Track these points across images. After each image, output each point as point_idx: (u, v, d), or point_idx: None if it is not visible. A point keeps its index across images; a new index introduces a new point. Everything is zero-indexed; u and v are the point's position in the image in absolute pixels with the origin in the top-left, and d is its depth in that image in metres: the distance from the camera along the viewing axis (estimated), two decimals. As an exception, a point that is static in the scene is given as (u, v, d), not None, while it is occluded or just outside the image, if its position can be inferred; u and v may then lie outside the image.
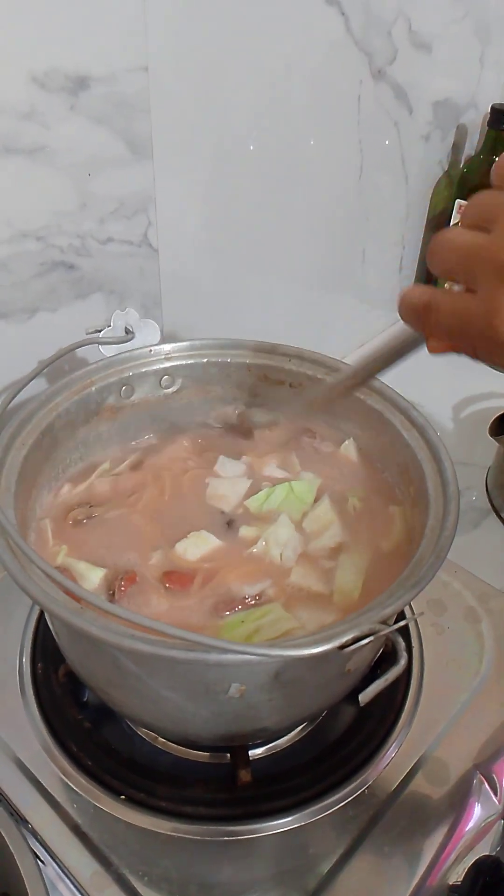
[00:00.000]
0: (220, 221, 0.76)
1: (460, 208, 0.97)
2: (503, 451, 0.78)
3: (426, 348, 0.38)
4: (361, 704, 0.36)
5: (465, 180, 0.96)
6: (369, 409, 0.53)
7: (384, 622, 0.37)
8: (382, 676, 0.36)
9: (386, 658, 0.48)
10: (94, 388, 0.53)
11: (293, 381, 0.58)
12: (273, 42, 0.69)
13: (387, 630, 0.36)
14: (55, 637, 0.48)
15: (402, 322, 0.38)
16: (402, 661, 0.35)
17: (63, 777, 0.51)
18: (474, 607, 0.62)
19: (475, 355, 0.35)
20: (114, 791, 0.50)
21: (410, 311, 0.36)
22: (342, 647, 0.36)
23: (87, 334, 0.55)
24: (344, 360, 0.58)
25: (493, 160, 0.93)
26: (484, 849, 0.52)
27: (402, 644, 0.36)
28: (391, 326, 1.10)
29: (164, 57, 0.61)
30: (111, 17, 0.56)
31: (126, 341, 0.55)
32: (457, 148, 1.03)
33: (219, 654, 0.35)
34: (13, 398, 0.48)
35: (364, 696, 0.36)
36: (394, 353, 0.42)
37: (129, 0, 0.56)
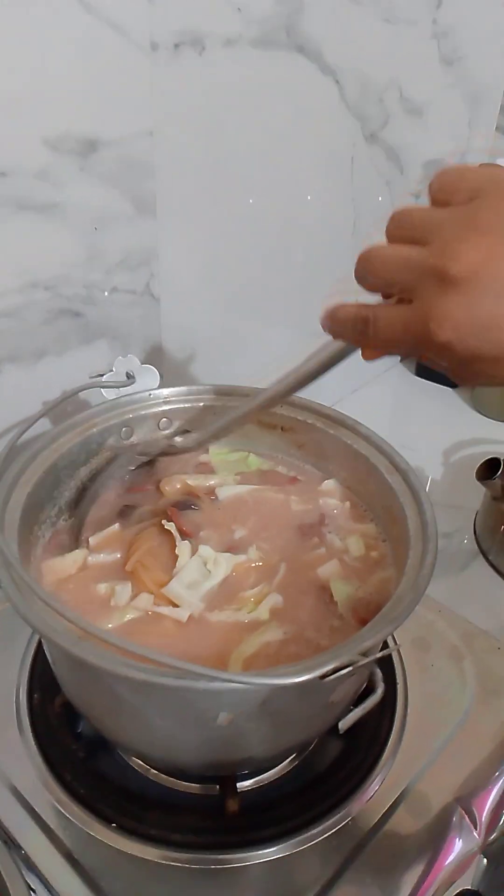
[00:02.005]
0: (219, 272, 0.80)
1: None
2: (490, 496, 0.81)
3: (361, 355, 0.41)
4: (341, 731, 0.38)
5: (455, 235, 1.01)
6: (355, 453, 0.56)
7: (364, 654, 0.39)
8: (361, 705, 0.38)
9: (370, 691, 0.51)
10: (95, 430, 0.57)
11: (284, 424, 0.61)
12: (271, 106, 0.74)
13: (365, 661, 0.38)
14: (52, 667, 0.50)
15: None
16: (379, 691, 0.38)
17: (57, 805, 0.52)
18: (458, 646, 0.64)
19: (408, 356, 0.38)
20: (106, 819, 0.51)
21: (346, 326, 0.39)
22: (323, 676, 0.38)
23: (90, 378, 0.58)
24: (333, 407, 0.61)
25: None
26: (465, 882, 0.54)
27: (379, 675, 0.38)
28: (383, 374, 1.14)
29: (168, 121, 0.65)
30: (120, 85, 0.60)
31: (127, 385, 0.58)
32: (447, 205, 1.07)
33: (207, 682, 0.37)
34: (20, 436, 0.51)
35: (343, 724, 0.38)
36: (324, 366, 0.44)
37: (137, 69, 0.61)
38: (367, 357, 0.41)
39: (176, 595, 0.50)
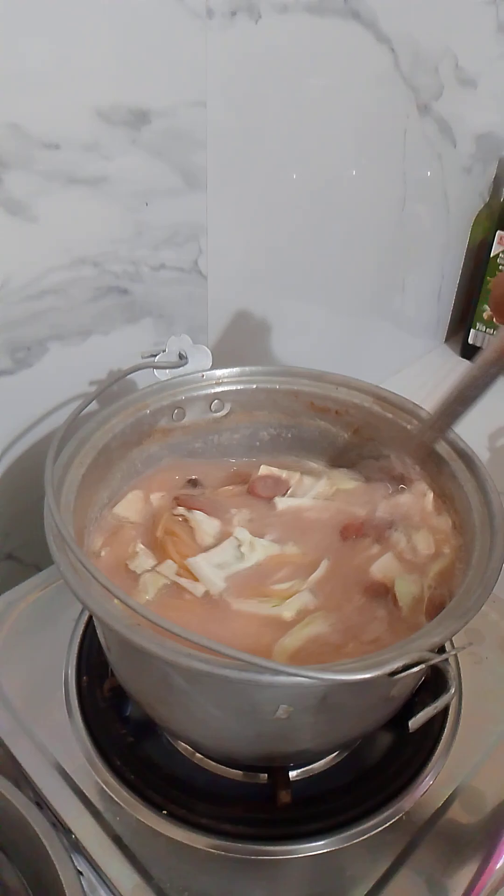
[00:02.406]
0: (264, 250, 0.78)
1: (501, 239, 0.98)
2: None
3: None
4: (411, 730, 0.37)
5: (507, 212, 0.98)
6: (413, 437, 0.54)
7: (432, 650, 0.38)
8: (432, 703, 0.36)
9: (425, 686, 0.49)
10: (148, 411, 0.55)
11: (339, 408, 0.59)
12: (326, 75, 0.72)
13: (436, 659, 0.37)
14: (105, 651, 0.49)
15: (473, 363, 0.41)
16: (452, 689, 0.36)
17: (106, 789, 0.52)
18: (512, 637, 0.63)
19: None
20: (155, 805, 0.51)
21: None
22: (392, 673, 0.37)
23: (142, 358, 0.56)
24: (383, 386, 0.59)
25: (534, 193, 0.95)
26: (518, 883, 0.53)
27: (451, 672, 0.36)
28: (427, 354, 1.12)
29: (221, 92, 0.63)
30: (173, 54, 0.58)
31: (180, 366, 0.57)
32: (498, 180, 1.04)
33: (272, 675, 0.36)
34: (77, 415, 0.49)
35: (414, 723, 0.37)
36: (474, 390, 0.46)
37: (191, 38, 0.59)
38: None
39: (199, 570, 0.49)
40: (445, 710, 0.57)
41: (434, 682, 0.52)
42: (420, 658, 0.37)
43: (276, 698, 0.40)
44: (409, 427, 0.55)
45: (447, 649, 0.39)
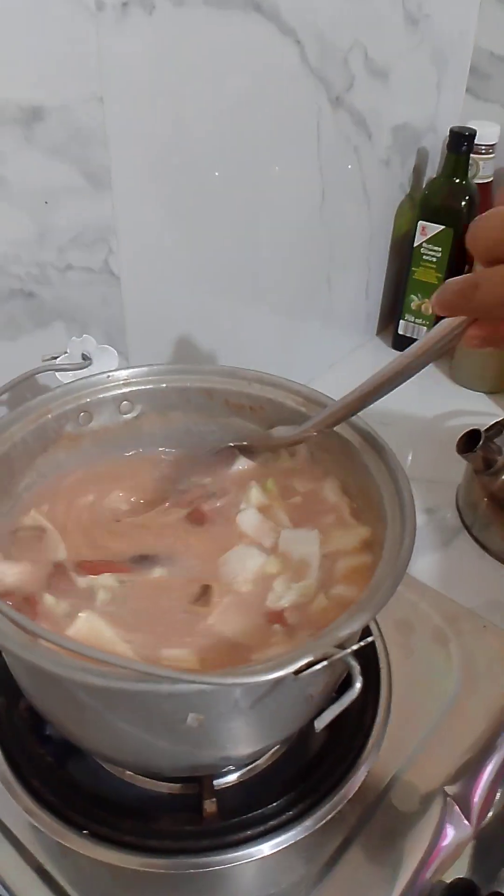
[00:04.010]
0: (187, 249, 0.76)
1: (423, 230, 0.98)
2: (471, 469, 0.78)
3: (464, 340, 0.42)
4: (317, 730, 0.36)
5: (427, 202, 0.98)
6: (329, 431, 0.53)
7: (340, 646, 0.37)
8: (338, 701, 0.35)
9: (348, 686, 0.48)
10: (50, 416, 0.53)
11: (254, 404, 0.58)
12: (231, 70, 0.70)
13: (341, 654, 0.36)
14: (12, 671, 0.47)
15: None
16: (357, 686, 0.35)
17: (26, 815, 0.50)
18: (442, 627, 0.62)
19: None
20: (78, 827, 0.49)
21: (454, 294, 0.41)
22: (297, 672, 0.35)
23: (43, 361, 0.54)
24: (307, 384, 0.58)
25: (454, 182, 0.95)
26: (459, 871, 0.52)
27: (356, 668, 0.35)
28: (358, 348, 1.11)
29: (119, 87, 0.61)
30: (63, 48, 0.56)
31: (83, 367, 0.55)
32: (418, 171, 1.04)
33: (171, 684, 0.34)
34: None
35: (319, 722, 0.35)
36: (398, 376, 0.46)
37: (81, 31, 0.57)
38: (469, 339, 0.42)
39: None
40: (376, 703, 0.56)
41: (367, 676, 0.52)
42: (325, 654, 0.36)
43: (182, 707, 0.38)
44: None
45: (355, 643, 0.37)
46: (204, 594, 0.48)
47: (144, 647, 0.44)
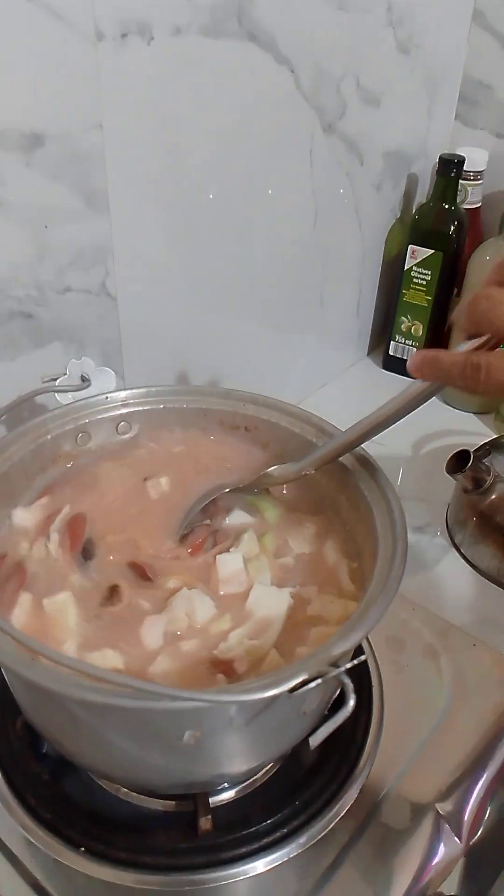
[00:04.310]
0: (180, 269, 0.77)
1: (413, 253, 1.00)
2: (461, 489, 0.80)
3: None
4: (312, 748, 0.37)
5: (418, 226, 1.00)
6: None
7: (333, 664, 0.37)
8: (332, 719, 0.36)
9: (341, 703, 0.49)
10: (49, 437, 0.54)
11: (248, 424, 0.59)
12: (227, 98, 0.72)
13: (335, 672, 0.36)
14: (11, 689, 0.48)
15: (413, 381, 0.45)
16: (351, 703, 0.36)
17: (22, 831, 0.50)
18: (433, 644, 0.63)
19: None
20: (73, 843, 0.49)
21: (452, 372, 0.42)
22: (292, 690, 0.36)
23: (42, 382, 0.55)
24: (301, 402, 0.59)
25: (443, 206, 0.97)
26: (450, 887, 0.53)
27: (350, 686, 0.36)
28: (350, 367, 1.13)
29: (118, 113, 0.63)
30: (65, 77, 0.58)
31: (82, 388, 0.56)
32: (408, 195, 1.06)
33: (168, 701, 0.35)
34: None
35: (314, 740, 0.36)
36: (397, 414, 0.47)
37: (83, 59, 0.58)
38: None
39: None
40: (368, 720, 0.57)
41: (359, 693, 0.52)
42: (319, 672, 0.36)
43: (180, 724, 0.39)
44: (315, 441, 0.55)
45: (347, 662, 0.38)
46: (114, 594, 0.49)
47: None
